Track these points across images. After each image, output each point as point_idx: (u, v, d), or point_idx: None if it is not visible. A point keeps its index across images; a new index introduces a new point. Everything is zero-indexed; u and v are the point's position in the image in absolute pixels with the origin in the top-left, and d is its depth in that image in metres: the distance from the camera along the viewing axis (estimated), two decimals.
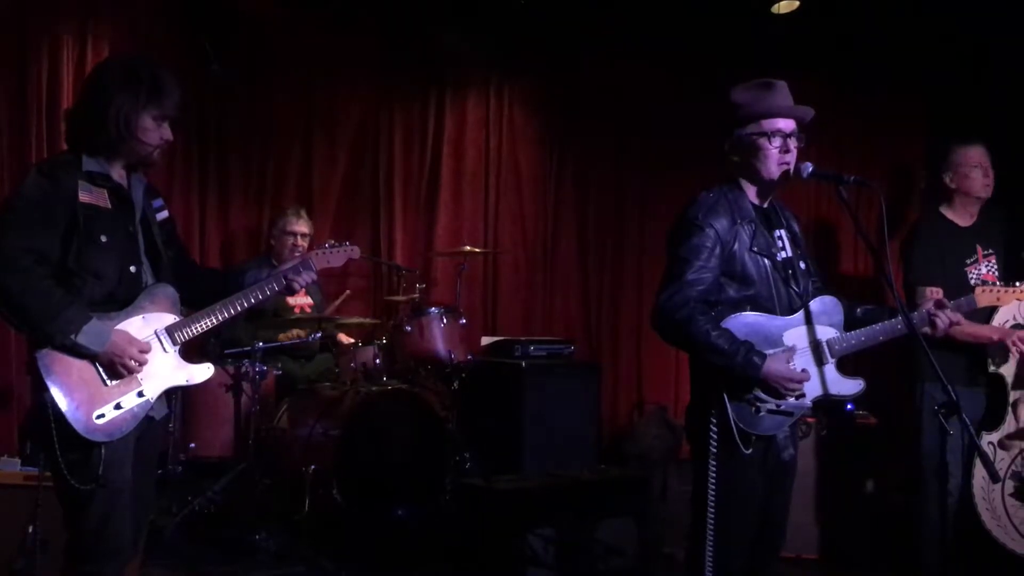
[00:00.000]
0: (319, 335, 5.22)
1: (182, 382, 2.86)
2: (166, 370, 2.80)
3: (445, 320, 5.23)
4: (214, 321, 2.90)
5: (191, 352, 2.93)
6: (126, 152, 2.79)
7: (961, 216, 4.18)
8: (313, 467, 4.55)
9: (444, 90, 6.45)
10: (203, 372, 2.89)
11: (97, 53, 5.15)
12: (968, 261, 4.12)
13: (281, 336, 5.26)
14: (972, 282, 4.07)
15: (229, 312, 2.91)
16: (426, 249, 6.38)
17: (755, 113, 2.96)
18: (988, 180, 4.13)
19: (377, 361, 5.15)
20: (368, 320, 5.70)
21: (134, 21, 5.40)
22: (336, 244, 3.28)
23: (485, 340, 5.91)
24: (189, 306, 2.93)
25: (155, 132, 2.78)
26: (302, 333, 5.26)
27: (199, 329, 2.87)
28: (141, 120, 2.75)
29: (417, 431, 4.87)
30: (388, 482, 4.72)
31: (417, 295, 5.52)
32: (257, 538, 4.42)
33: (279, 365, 5.24)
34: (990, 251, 4.14)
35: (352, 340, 5.52)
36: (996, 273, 4.12)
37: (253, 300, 2.95)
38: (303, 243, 5.42)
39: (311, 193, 6.02)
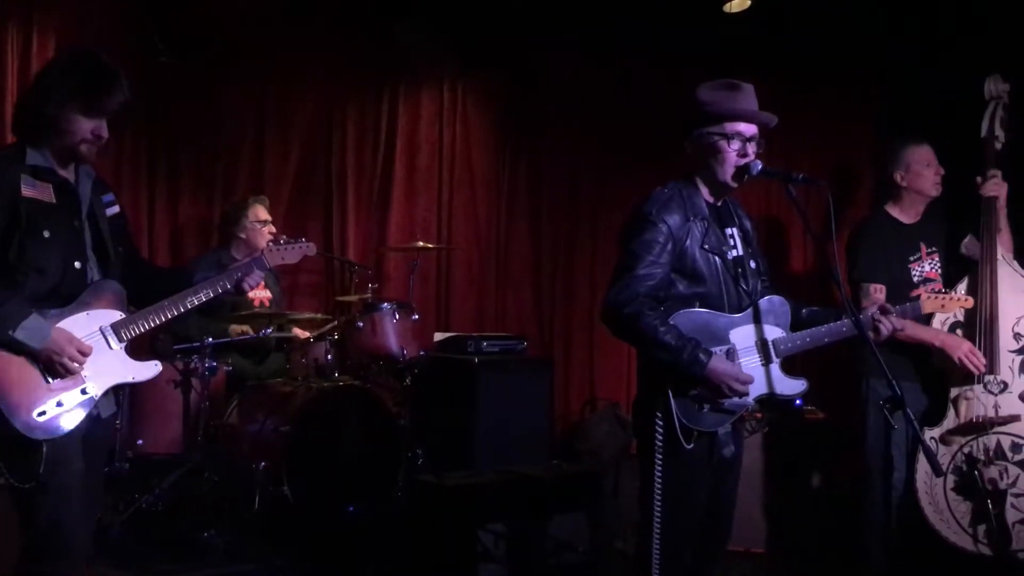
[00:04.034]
0: (270, 330, 5.16)
1: (128, 379, 2.83)
2: (111, 367, 2.77)
3: (397, 316, 5.20)
4: (162, 318, 2.87)
5: (140, 348, 2.89)
6: (54, 144, 2.73)
7: (906, 214, 4.24)
8: (263, 464, 4.51)
9: (398, 85, 6.42)
10: (149, 370, 2.87)
11: (43, 44, 5.05)
12: (912, 258, 4.18)
13: (232, 330, 5.19)
14: (915, 279, 4.14)
15: (178, 309, 2.88)
16: (379, 245, 6.34)
17: (717, 114, 2.97)
18: (938, 179, 4.21)
19: (329, 357, 5.10)
20: (320, 316, 5.66)
21: (82, 12, 5.29)
22: (291, 240, 3.25)
23: (438, 336, 5.90)
24: (138, 305, 2.89)
25: (84, 126, 2.71)
26: (249, 330, 5.18)
27: (146, 326, 2.84)
28: (67, 111, 2.69)
29: (369, 427, 4.85)
30: (339, 478, 4.69)
31: (369, 296, 5.49)
32: (206, 536, 4.37)
33: (229, 361, 5.17)
34: (933, 249, 4.21)
35: (307, 335, 5.46)
36: (939, 271, 4.19)
37: (203, 298, 2.93)
38: (274, 229, 5.34)
39: (262, 187, 5.93)
